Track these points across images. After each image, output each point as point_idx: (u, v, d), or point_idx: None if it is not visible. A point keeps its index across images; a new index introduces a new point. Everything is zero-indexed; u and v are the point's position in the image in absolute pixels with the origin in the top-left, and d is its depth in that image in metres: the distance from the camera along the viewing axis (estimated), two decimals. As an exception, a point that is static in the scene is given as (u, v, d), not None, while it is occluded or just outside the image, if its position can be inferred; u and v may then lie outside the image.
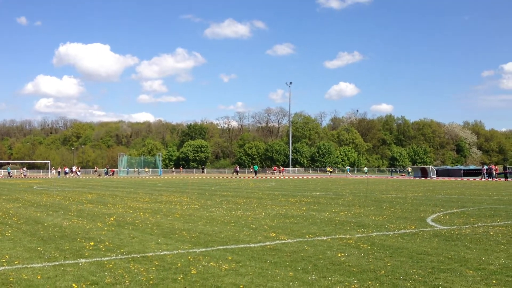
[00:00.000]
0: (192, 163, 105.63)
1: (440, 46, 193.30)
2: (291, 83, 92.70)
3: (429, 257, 8.35)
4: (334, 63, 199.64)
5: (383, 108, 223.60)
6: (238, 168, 79.90)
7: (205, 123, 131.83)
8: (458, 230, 11.53)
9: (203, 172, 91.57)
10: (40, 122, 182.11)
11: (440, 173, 61.24)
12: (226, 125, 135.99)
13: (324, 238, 10.41)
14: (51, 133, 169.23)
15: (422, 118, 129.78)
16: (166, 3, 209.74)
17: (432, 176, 57.45)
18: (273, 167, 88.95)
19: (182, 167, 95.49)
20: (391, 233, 11.16)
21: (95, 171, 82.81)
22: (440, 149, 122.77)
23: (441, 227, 12.21)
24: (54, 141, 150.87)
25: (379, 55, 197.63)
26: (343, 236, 10.61)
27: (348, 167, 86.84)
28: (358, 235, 10.75)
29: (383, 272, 7.29)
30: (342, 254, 8.57)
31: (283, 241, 9.97)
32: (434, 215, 14.90)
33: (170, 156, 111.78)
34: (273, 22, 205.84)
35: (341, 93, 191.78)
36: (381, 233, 11.09)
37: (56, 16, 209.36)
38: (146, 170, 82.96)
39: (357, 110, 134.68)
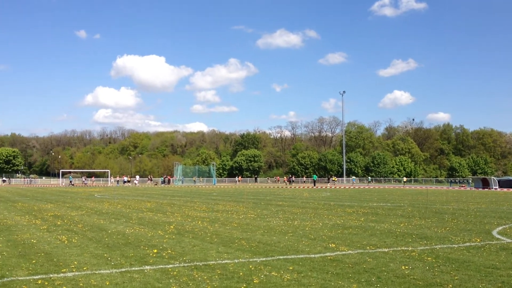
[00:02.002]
0: (246, 173, 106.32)
1: (499, 51, 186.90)
2: (344, 92, 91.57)
3: (498, 271, 8.03)
4: (388, 71, 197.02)
5: (440, 117, 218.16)
6: (292, 177, 79.89)
7: (258, 133, 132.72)
8: (527, 244, 11.03)
9: (256, 181, 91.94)
10: (99, 132, 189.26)
11: (502, 184, 58.74)
12: (279, 135, 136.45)
13: (386, 250, 10.21)
14: (109, 142, 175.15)
15: (482, 127, 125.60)
16: (219, 15, 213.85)
17: (494, 187, 55.30)
18: (277, 177, 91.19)
19: (236, 176, 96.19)
20: (456, 246, 10.80)
21: (150, 180, 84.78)
22: (502, 159, 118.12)
23: (508, 240, 11.72)
24: (112, 150, 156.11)
25: (435, 62, 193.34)
26: (405, 248, 10.37)
27: (353, 177, 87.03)
28: (421, 248, 10.48)
29: (450, 286, 7.08)
30: (406, 267, 8.37)
31: (344, 252, 9.85)
32: (500, 228, 14.33)
33: (223, 166, 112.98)
34: (325, 31, 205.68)
35: (396, 102, 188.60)
36: (445, 246, 10.76)
37: (114, 29, 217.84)
38: (194, 179, 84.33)
39: (413, 119, 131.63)
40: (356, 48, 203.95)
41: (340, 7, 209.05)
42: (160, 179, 79.96)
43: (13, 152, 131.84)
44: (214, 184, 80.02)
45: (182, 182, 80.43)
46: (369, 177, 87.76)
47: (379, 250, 10.20)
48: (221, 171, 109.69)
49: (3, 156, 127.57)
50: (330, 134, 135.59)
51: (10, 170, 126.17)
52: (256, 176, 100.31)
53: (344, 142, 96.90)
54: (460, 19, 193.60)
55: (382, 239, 11.83)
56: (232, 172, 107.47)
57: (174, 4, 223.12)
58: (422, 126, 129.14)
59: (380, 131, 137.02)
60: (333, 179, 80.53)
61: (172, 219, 16.79)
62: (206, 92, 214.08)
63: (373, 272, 7.98)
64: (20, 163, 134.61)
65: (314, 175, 75.11)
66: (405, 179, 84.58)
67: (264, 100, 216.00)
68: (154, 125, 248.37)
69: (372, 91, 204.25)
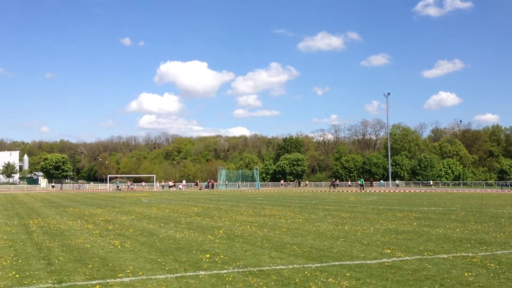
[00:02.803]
0: (289, 177, 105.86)
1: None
2: (389, 94, 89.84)
3: None
4: (433, 72, 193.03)
5: (488, 118, 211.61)
6: (336, 181, 79.03)
7: (300, 137, 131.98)
8: None
9: (299, 185, 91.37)
10: (144, 138, 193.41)
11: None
12: (322, 138, 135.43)
13: (445, 256, 9.81)
14: (154, 148, 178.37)
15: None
16: (259, 19, 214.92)
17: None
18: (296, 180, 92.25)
19: (280, 180, 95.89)
20: (519, 252, 10.30)
21: (196, 184, 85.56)
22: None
23: None
24: (157, 155, 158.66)
25: (482, 62, 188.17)
26: (465, 254, 9.94)
27: (382, 181, 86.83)
28: (482, 254, 10.03)
29: (520, 295, 6.70)
30: (469, 274, 8.00)
31: (401, 258, 9.53)
32: None
33: (267, 170, 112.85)
34: (368, 33, 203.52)
35: (441, 103, 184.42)
36: (507, 252, 10.27)
37: (157, 37, 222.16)
38: (238, 183, 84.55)
39: (461, 121, 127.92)
40: (400, 49, 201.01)
41: (382, 8, 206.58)
42: (204, 184, 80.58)
43: (62, 158, 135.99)
44: (258, 188, 80.00)
45: (226, 187, 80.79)
46: (397, 181, 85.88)
47: (438, 256, 9.81)
48: (264, 175, 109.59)
49: (53, 162, 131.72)
50: (374, 137, 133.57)
51: (60, 176, 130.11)
52: (299, 180, 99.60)
53: (389, 145, 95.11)
54: (506, 18, 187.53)
55: (439, 244, 11.41)
56: (275, 176, 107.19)
57: (215, 10, 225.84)
58: (470, 127, 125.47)
59: (426, 134, 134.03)
60: (359, 182, 78.65)
61: (220, 224, 16.77)
62: (247, 96, 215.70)
63: (435, 279, 7.65)
64: (69, 168, 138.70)
65: (361, 179, 73.91)
66: (431, 182, 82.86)
67: (306, 104, 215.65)
68: (197, 130, 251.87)
69: (417, 93, 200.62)
